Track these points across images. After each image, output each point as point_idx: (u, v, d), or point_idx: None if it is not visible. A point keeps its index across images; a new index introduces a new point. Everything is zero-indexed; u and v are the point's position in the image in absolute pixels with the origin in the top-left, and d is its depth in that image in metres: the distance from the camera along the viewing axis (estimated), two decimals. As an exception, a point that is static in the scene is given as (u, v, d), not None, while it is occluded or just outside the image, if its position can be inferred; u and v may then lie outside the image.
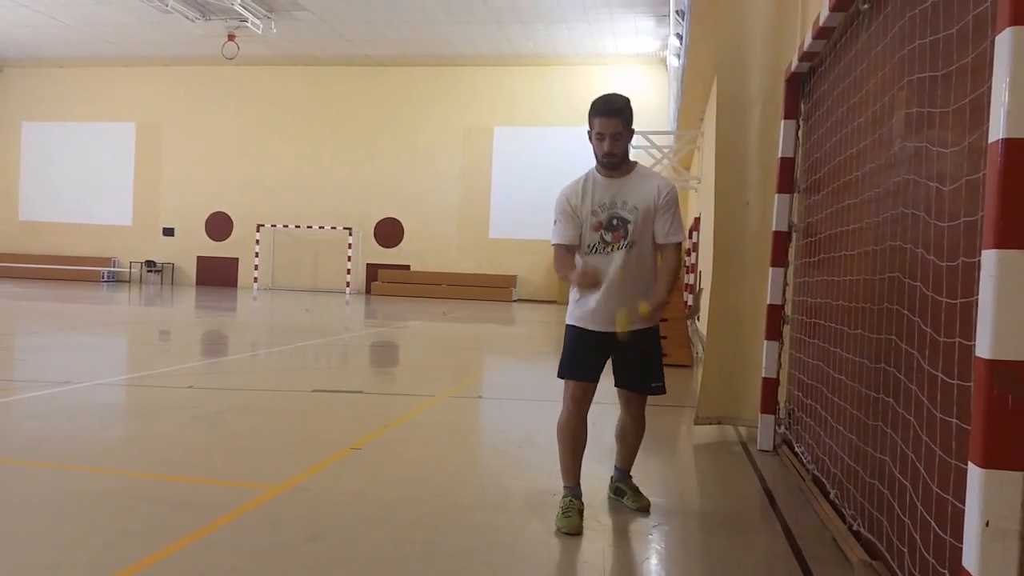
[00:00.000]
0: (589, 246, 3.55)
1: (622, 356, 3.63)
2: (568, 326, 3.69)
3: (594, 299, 3.54)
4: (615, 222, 3.50)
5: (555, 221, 3.60)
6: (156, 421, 5.62)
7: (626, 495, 3.87)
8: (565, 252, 3.60)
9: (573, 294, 3.66)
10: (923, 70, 2.69)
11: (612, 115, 3.45)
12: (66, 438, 4.90)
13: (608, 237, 3.51)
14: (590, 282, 3.46)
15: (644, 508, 3.81)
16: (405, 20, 23.50)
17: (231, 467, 4.43)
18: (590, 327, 3.58)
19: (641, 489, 3.92)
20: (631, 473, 3.95)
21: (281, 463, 4.49)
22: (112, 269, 30.11)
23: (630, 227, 3.50)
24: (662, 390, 3.72)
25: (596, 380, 3.64)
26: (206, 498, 3.77)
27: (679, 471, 4.91)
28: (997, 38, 1.77)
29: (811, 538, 3.50)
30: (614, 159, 3.50)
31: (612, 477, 3.99)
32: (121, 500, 3.72)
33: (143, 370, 8.38)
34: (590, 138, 3.53)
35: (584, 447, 3.67)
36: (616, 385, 3.77)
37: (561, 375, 3.65)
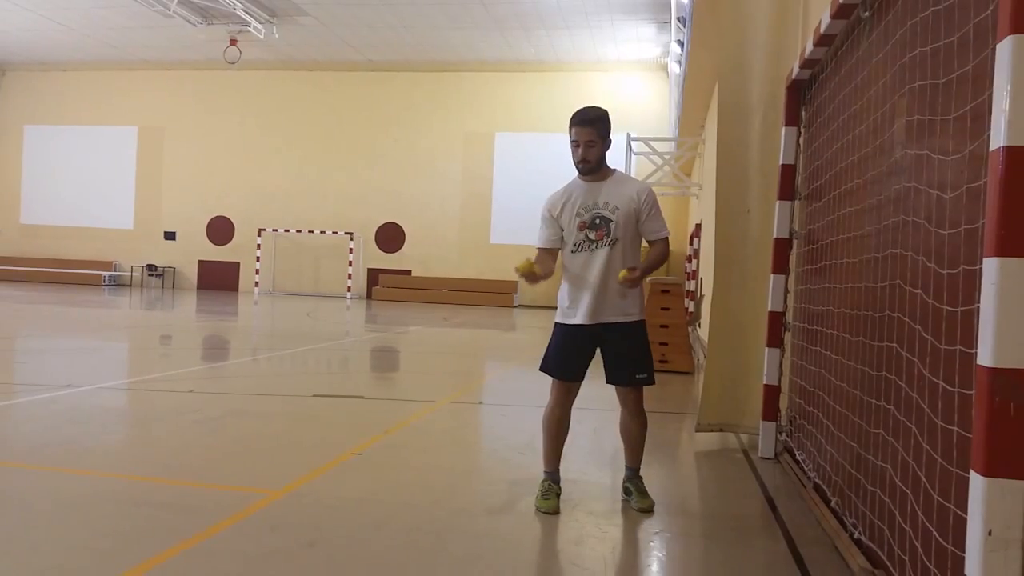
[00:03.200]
0: (575, 245, 3.84)
1: (608, 351, 3.86)
2: (556, 324, 3.97)
3: (578, 296, 3.83)
4: (598, 221, 3.79)
5: (540, 228, 3.96)
6: (156, 425, 5.62)
7: (632, 494, 3.95)
8: (542, 254, 3.95)
9: (560, 296, 3.94)
10: (924, 78, 2.70)
11: (586, 124, 3.77)
12: (66, 442, 4.89)
13: (592, 235, 3.80)
14: (525, 271, 3.74)
15: (646, 508, 3.88)
16: (407, 25, 23.55)
17: (231, 472, 4.43)
18: (574, 321, 3.84)
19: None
20: (640, 474, 4.02)
21: (281, 468, 4.48)
22: (113, 273, 30.11)
23: (612, 225, 3.78)
24: (648, 381, 3.88)
25: (579, 379, 3.91)
26: (206, 503, 3.77)
27: (680, 478, 4.90)
28: (998, 46, 1.78)
29: (812, 546, 3.50)
30: (588, 165, 3.80)
31: (623, 476, 4.07)
32: (120, 504, 3.72)
33: (144, 374, 8.38)
34: (573, 160, 3.84)
35: (565, 436, 3.97)
36: (607, 382, 3.93)
37: (543, 369, 3.94)
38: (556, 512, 3.77)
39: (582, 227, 3.81)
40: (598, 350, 3.91)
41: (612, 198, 3.80)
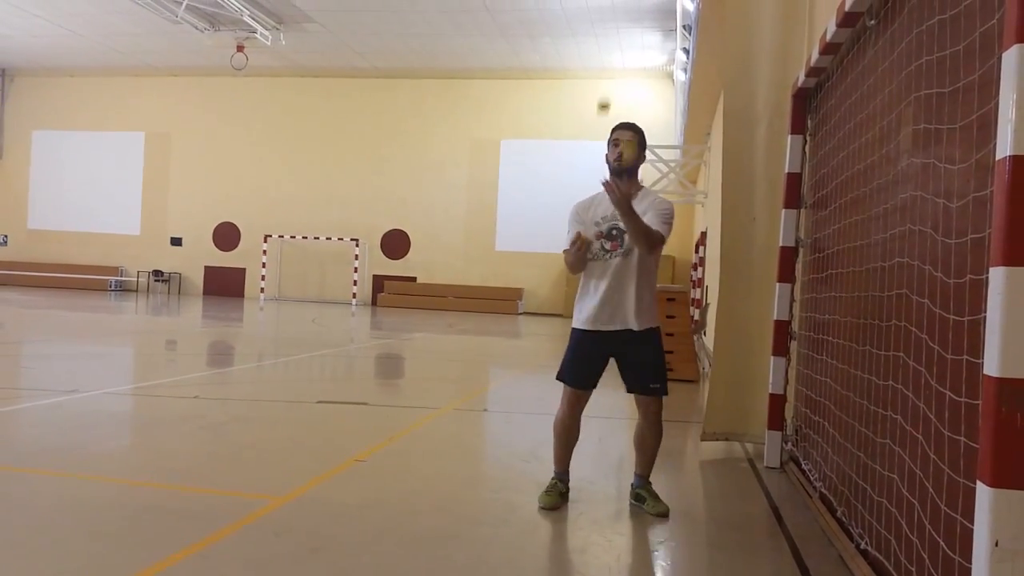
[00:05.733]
0: (592, 253, 3.96)
1: (624, 358, 3.98)
2: (572, 330, 4.08)
3: (592, 303, 3.95)
4: (614, 232, 3.93)
5: (568, 232, 4.03)
6: (161, 431, 5.62)
7: (646, 501, 4.03)
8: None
9: (577, 302, 4.06)
10: (930, 86, 2.69)
11: (627, 128, 4.06)
12: (70, 447, 4.90)
13: (607, 245, 3.94)
14: (581, 244, 3.83)
15: (663, 514, 3.95)
16: (414, 33, 23.62)
17: (235, 477, 4.43)
18: (590, 327, 3.96)
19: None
20: (650, 480, 4.11)
21: (285, 474, 4.48)
22: (119, 278, 30.20)
23: (626, 236, 3.88)
24: (661, 392, 3.98)
25: (590, 388, 4.06)
26: (209, 508, 3.77)
27: (686, 487, 4.88)
28: (1004, 55, 1.78)
29: (818, 557, 3.48)
30: (623, 164, 3.97)
31: (632, 484, 4.16)
32: (124, 510, 3.72)
33: (149, 379, 8.40)
34: (607, 160, 4.04)
35: (575, 441, 4.13)
36: (628, 390, 4.06)
37: (559, 378, 4.08)
38: (554, 508, 3.93)
39: (599, 236, 3.95)
40: (613, 361, 4.03)
41: None
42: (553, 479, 4.10)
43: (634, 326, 3.92)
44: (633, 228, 3.75)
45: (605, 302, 3.92)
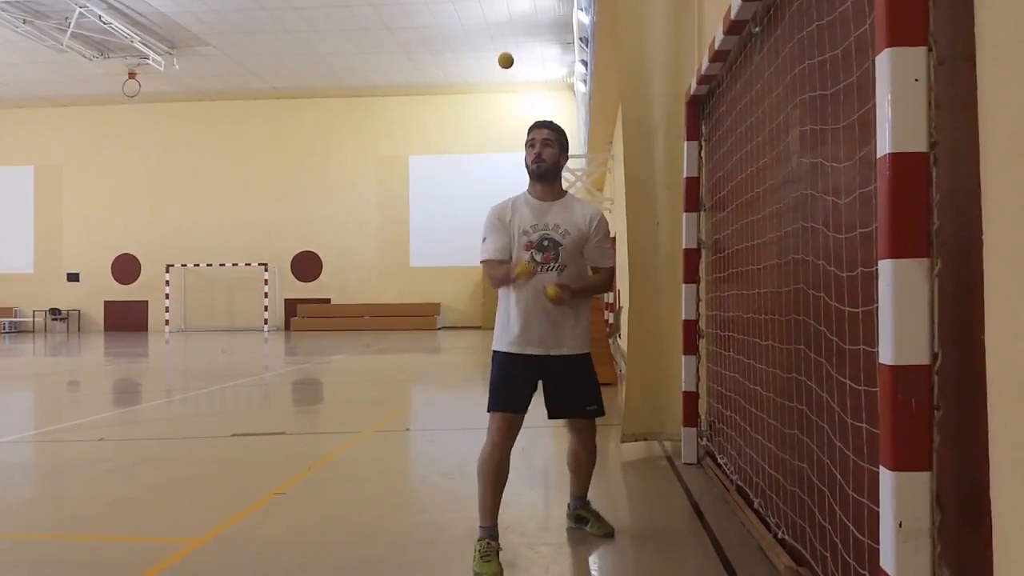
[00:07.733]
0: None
1: (554, 383, 3.58)
2: (495, 353, 3.59)
3: (519, 323, 3.49)
4: (546, 243, 3.50)
5: (484, 239, 3.56)
6: (66, 478, 5.34)
7: (589, 523, 3.84)
8: (499, 265, 3.54)
9: (500, 319, 3.58)
10: (814, 89, 2.81)
11: (544, 126, 3.64)
12: (-35, 504, 4.60)
13: (539, 257, 3.49)
14: (528, 270, 3.36)
15: (609, 533, 3.78)
16: (312, 52, 23.31)
17: (149, 522, 4.24)
18: (518, 350, 3.50)
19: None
20: (588, 499, 3.92)
21: (201, 514, 4.32)
22: (14, 320, 28.66)
23: (561, 250, 3.49)
24: (599, 412, 3.66)
25: (524, 411, 3.52)
26: (120, 557, 3.60)
27: (608, 489, 4.93)
28: (877, 58, 1.86)
29: (739, 548, 3.56)
30: (543, 165, 3.56)
31: (570, 505, 3.95)
32: (22, 567, 3.51)
33: (50, 424, 7.97)
34: (526, 163, 3.62)
35: (505, 482, 3.52)
36: (551, 416, 3.66)
37: (492, 408, 3.51)
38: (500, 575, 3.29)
39: (528, 247, 3.49)
40: (540, 383, 3.61)
41: (563, 220, 3.53)
42: (484, 538, 3.39)
43: (568, 351, 3.53)
44: (591, 294, 3.58)
45: (536, 323, 3.47)
